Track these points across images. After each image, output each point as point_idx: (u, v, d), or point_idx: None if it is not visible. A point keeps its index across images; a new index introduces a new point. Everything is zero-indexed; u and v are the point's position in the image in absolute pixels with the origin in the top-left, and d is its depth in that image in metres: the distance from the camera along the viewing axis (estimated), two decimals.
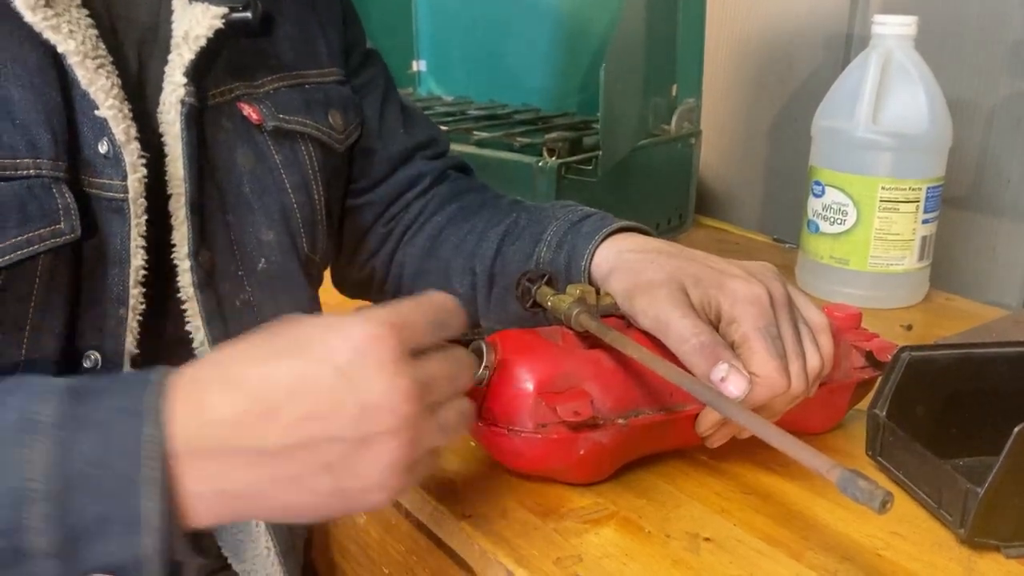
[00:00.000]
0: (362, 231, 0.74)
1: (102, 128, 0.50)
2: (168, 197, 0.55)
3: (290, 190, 0.62)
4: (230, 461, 0.39)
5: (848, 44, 1.09)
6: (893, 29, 0.86)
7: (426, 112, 0.81)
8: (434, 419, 0.42)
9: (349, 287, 0.80)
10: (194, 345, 0.56)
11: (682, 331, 0.51)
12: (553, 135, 0.93)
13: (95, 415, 0.39)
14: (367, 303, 0.83)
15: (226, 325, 0.57)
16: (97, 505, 0.37)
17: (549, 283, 0.59)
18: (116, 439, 0.38)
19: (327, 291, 0.77)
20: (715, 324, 0.53)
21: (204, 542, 0.42)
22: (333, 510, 0.42)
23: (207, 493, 0.39)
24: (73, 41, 0.49)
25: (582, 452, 0.53)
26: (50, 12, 0.48)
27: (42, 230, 0.48)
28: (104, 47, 0.51)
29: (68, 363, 0.51)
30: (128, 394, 0.39)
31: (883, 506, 0.39)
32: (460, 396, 0.45)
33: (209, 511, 0.40)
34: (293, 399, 0.39)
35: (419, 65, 1.31)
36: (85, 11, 0.50)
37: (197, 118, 0.56)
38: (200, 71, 0.56)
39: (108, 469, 0.37)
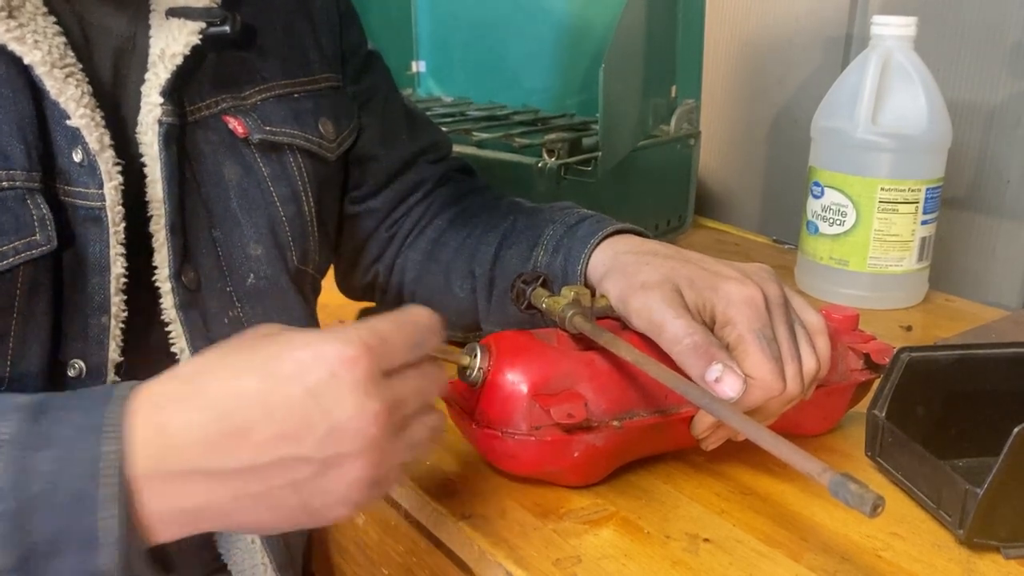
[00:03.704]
0: (365, 236, 0.74)
1: (75, 137, 0.50)
2: (150, 217, 0.54)
3: (278, 203, 0.61)
4: (193, 481, 0.38)
5: (848, 45, 1.09)
6: (893, 30, 0.86)
7: (426, 113, 0.81)
8: (403, 437, 0.42)
9: (353, 291, 0.80)
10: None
11: (676, 332, 0.51)
12: (553, 136, 0.92)
13: (55, 432, 0.38)
14: (371, 304, 0.83)
15: (212, 344, 0.57)
16: (55, 522, 0.37)
17: (544, 285, 0.59)
18: (75, 456, 0.37)
19: (330, 292, 0.77)
20: (710, 326, 0.53)
21: (167, 558, 0.41)
22: (296, 524, 0.41)
23: (168, 511, 0.39)
24: (39, 51, 0.48)
25: (576, 454, 0.53)
26: (13, 23, 0.48)
27: (17, 242, 0.48)
28: (73, 55, 0.51)
29: (54, 372, 0.51)
30: (89, 411, 0.38)
31: (874, 510, 0.39)
32: (429, 410, 0.44)
33: (169, 528, 0.39)
34: (263, 419, 0.38)
35: (419, 66, 1.31)
36: (52, 19, 0.50)
37: (178, 135, 0.56)
38: (179, 88, 0.56)
39: (66, 486, 0.37)
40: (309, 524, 0.41)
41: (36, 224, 0.48)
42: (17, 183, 0.48)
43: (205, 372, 0.40)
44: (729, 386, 0.49)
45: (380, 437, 0.39)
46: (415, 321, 0.43)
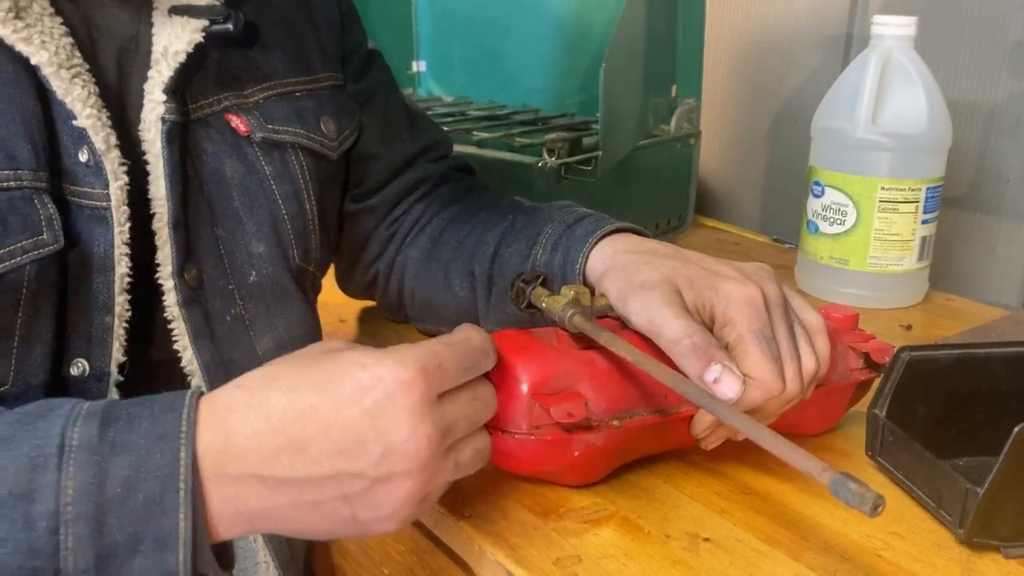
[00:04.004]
0: (365, 235, 0.74)
1: (81, 137, 0.50)
2: (153, 215, 0.55)
3: (280, 201, 0.61)
4: (252, 485, 0.41)
5: (848, 44, 1.09)
6: (893, 29, 0.86)
7: (425, 112, 0.82)
8: (451, 458, 0.44)
9: (353, 289, 0.80)
10: (182, 364, 0.56)
11: (675, 332, 0.51)
12: (553, 135, 0.93)
13: (129, 439, 0.40)
14: (371, 303, 0.83)
15: (214, 342, 0.57)
16: (130, 525, 0.39)
17: (544, 284, 0.59)
18: (150, 463, 0.40)
19: (330, 290, 0.77)
20: (709, 326, 0.53)
21: (228, 555, 0.45)
22: (346, 533, 0.44)
23: (228, 512, 0.41)
24: (46, 52, 0.49)
25: (576, 454, 0.53)
26: (20, 24, 0.48)
27: (25, 242, 0.48)
28: (80, 56, 0.51)
29: (57, 371, 0.51)
30: (161, 419, 0.41)
31: (874, 509, 0.39)
32: (478, 433, 0.46)
33: (229, 528, 0.42)
34: (321, 435, 0.41)
35: (419, 66, 1.31)
36: (59, 19, 0.50)
37: (180, 133, 0.56)
38: (182, 86, 0.56)
39: (141, 492, 0.39)
40: (358, 534, 0.44)
41: (43, 224, 0.49)
42: (24, 183, 0.48)
43: (269, 383, 0.42)
44: (728, 386, 0.49)
45: (431, 459, 0.42)
46: (470, 343, 0.46)
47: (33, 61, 0.49)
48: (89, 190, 0.51)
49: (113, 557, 0.39)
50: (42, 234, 0.48)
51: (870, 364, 0.61)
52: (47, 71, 0.49)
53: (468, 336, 0.46)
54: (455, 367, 0.44)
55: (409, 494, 0.42)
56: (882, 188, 0.86)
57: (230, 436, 0.41)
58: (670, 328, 0.52)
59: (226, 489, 0.41)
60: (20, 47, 0.48)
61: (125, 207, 0.52)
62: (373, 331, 0.82)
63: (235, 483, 0.41)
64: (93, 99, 0.51)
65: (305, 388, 0.41)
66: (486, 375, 0.49)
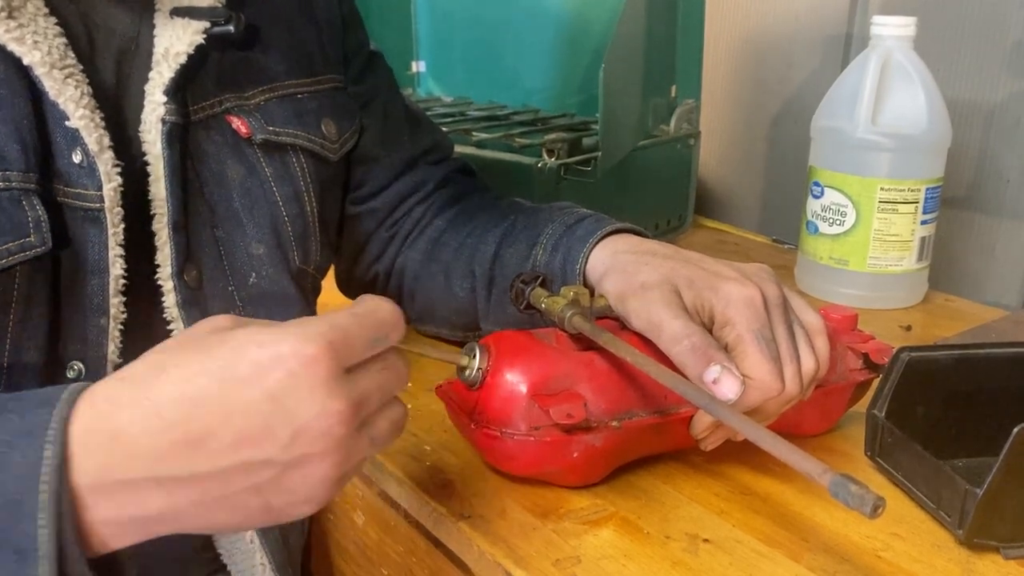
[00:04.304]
0: (365, 237, 0.74)
1: (75, 138, 0.50)
2: (152, 216, 0.54)
3: (281, 203, 0.61)
4: (149, 488, 0.37)
5: (848, 44, 1.09)
6: (892, 30, 0.86)
7: (426, 113, 0.82)
8: (366, 434, 0.41)
9: (353, 290, 0.80)
10: None
11: (674, 332, 0.51)
12: (552, 136, 0.92)
13: None
14: None
15: None
16: None
17: (543, 285, 0.59)
18: (9, 462, 0.35)
19: (330, 292, 0.77)
20: (709, 327, 0.53)
21: (119, 567, 0.40)
22: (259, 523, 0.40)
23: (122, 519, 0.37)
24: (39, 52, 0.48)
25: (575, 455, 0.53)
26: (13, 24, 0.48)
27: (11, 243, 0.47)
28: (73, 56, 0.51)
29: (53, 373, 0.51)
30: (29, 414, 0.36)
31: (874, 511, 0.39)
32: (392, 404, 0.43)
33: (124, 536, 0.38)
34: (221, 424, 0.37)
35: (419, 66, 1.31)
36: (53, 19, 0.50)
37: (181, 134, 0.56)
38: (182, 87, 0.56)
39: (1, 494, 0.35)
40: (272, 523, 0.40)
41: (31, 225, 0.48)
42: (13, 184, 0.48)
43: (157, 374, 0.38)
44: (727, 387, 0.49)
45: (345, 436, 0.38)
46: (377, 314, 0.41)
47: (25, 61, 0.48)
48: (82, 191, 0.51)
49: None
50: (29, 236, 0.48)
51: (869, 365, 0.61)
52: (39, 71, 0.49)
53: (375, 307, 0.42)
54: (362, 339, 0.40)
55: (325, 475, 0.38)
56: (881, 188, 0.86)
57: (117, 436, 0.36)
58: (669, 328, 0.51)
59: (118, 494, 0.36)
60: (12, 47, 0.48)
61: (119, 208, 0.52)
62: None
63: (126, 488, 0.36)
64: (87, 100, 0.50)
65: (198, 375, 0.37)
66: (484, 374, 0.48)
